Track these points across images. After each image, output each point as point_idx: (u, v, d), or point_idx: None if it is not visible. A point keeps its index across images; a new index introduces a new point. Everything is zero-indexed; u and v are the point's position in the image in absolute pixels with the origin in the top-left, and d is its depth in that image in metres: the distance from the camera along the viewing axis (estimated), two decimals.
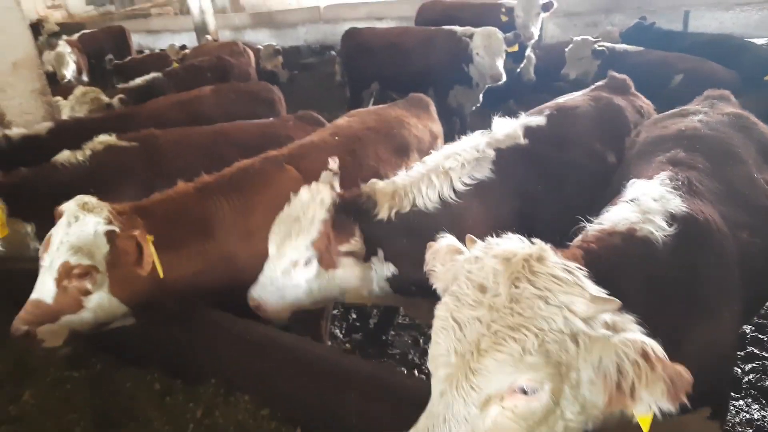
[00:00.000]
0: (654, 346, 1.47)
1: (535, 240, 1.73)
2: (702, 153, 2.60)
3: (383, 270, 2.95)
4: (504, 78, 6.95)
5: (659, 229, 1.94)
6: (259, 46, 10.82)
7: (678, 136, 2.80)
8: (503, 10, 8.61)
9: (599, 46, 8.15)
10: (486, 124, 3.39)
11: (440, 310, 1.67)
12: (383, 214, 2.91)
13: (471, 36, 7.09)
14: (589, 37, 8.39)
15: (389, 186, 2.99)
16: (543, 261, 1.62)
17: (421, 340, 4.56)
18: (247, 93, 5.69)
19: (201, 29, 14.11)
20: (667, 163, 2.53)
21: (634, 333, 1.52)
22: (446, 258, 1.88)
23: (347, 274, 2.89)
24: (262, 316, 2.87)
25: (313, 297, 2.91)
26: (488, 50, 6.85)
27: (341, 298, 3.06)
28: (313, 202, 2.82)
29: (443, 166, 2.98)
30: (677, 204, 2.09)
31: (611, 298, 1.58)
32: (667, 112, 3.24)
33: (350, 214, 2.85)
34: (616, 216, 2.07)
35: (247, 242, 3.18)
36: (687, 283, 1.92)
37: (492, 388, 1.53)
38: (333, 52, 13.85)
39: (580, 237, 2.08)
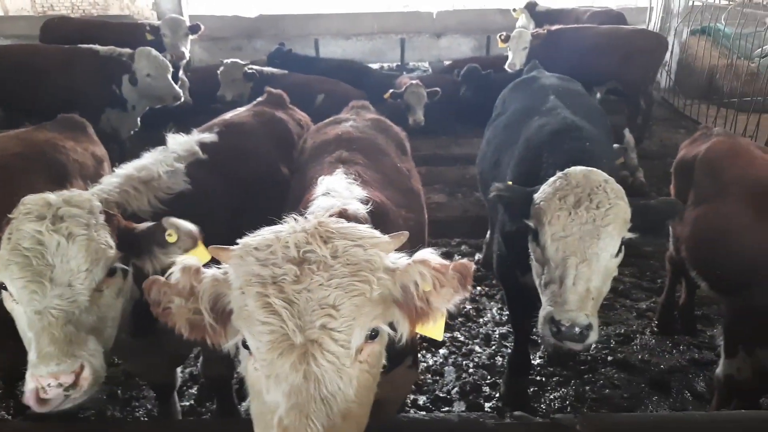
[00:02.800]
0: (434, 256, 1.66)
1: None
2: (359, 151, 3.08)
3: (130, 291, 2.45)
4: (183, 97, 6.80)
5: (361, 209, 2.22)
6: None
7: (338, 139, 3.25)
8: (148, 28, 8.32)
9: (249, 68, 8.66)
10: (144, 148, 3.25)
11: (253, 304, 1.51)
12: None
13: (124, 56, 6.62)
14: (239, 60, 8.82)
15: (100, 190, 2.60)
16: (332, 222, 1.67)
17: (119, 392, 4.06)
18: None
19: None
20: (336, 162, 2.91)
21: (412, 255, 1.68)
22: (186, 286, 1.65)
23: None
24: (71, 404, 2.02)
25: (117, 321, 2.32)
26: (159, 70, 6.54)
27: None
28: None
29: (139, 177, 2.76)
30: (360, 191, 2.45)
31: (402, 232, 1.75)
32: (325, 121, 3.72)
33: None
34: (324, 204, 2.24)
35: None
36: None
37: (358, 338, 1.51)
38: None
39: None
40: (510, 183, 3.00)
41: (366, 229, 1.70)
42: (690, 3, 9.95)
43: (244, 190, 3.29)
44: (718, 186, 3.60)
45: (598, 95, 8.34)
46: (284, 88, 7.68)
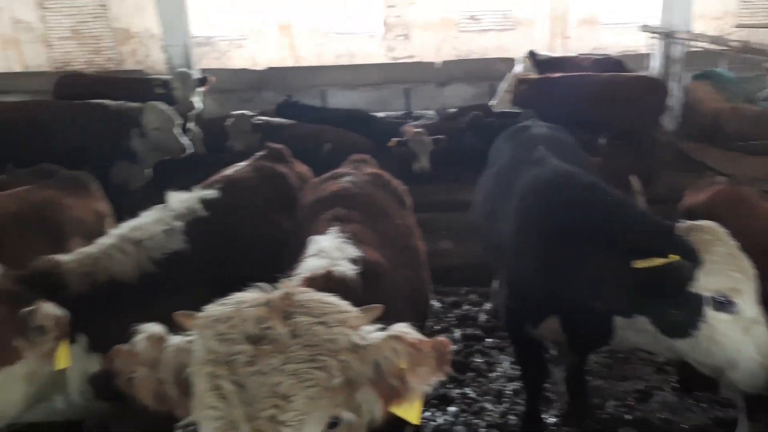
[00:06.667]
0: (410, 331, 1.56)
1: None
2: (356, 208, 3.08)
3: (86, 365, 2.41)
4: (189, 149, 6.91)
5: (349, 270, 2.17)
6: None
7: (335, 196, 3.25)
8: (158, 83, 8.55)
9: (257, 119, 8.84)
10: (157, 201, 3.28)
11: (203, 386, 1.42)
12: (77, 286, 2.46)
13: (133, 110, 6.77)
14: (247, 112, 9.01)
15: (74, 257, 2.58)
16: (298, 294, 1.58)
17: None
18: None
19: None
20: (332, 219, 2.90)
21: (387, 330, 1.58)
22: (150, 355, 1.57)
23: (31, 374, 2.23)
24: None
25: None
26: (166, 124, 6.67)
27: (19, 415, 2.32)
28: None
29: (132, 238, 2.76)
30: (352, 251, 2.41)
31: (376, 306, 1.66)
32: (323, 176, 3.73)
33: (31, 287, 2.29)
34: (311, 266, 2.20)
35: None
36: None
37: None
38: None
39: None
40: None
41: (334, 303, 1.61)
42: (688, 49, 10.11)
43: (243, 244, 3.28)
44: None
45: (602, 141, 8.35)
46: (292, 138, 7.83)
